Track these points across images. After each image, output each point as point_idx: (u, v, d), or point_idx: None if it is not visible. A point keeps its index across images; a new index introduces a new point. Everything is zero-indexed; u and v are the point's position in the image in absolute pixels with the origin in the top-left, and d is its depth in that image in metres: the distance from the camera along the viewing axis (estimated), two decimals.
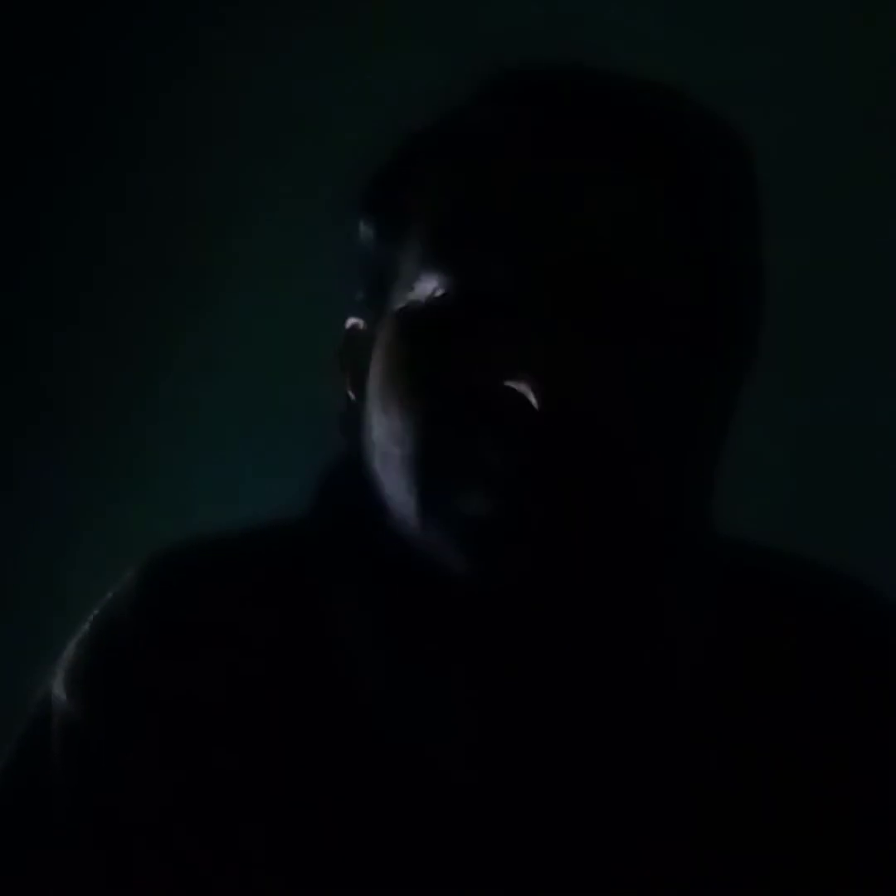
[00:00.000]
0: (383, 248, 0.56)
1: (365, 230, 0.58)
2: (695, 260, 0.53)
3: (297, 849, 0.52)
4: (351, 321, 0.60)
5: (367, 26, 1.42)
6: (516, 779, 0.52)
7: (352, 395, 0.59)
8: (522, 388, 0.48)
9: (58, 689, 0.57)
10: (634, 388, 0.50)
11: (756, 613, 0.57)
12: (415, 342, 0.52)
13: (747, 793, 0.53)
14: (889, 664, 0.57)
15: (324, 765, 0.53)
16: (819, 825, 0.53)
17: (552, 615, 0.52)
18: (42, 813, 0.55)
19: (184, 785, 0.54)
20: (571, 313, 0.49)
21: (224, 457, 1.51)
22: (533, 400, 0.47)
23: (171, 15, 1.57)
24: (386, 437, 0.52)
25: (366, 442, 0.55)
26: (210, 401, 1.53)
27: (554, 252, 0.50)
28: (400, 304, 0.54)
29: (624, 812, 0.52)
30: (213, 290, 1.55)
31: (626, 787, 0.52)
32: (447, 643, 0.53)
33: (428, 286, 0.52)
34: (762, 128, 1.22)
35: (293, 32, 1.49)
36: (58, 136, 1.63)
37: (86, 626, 0.59)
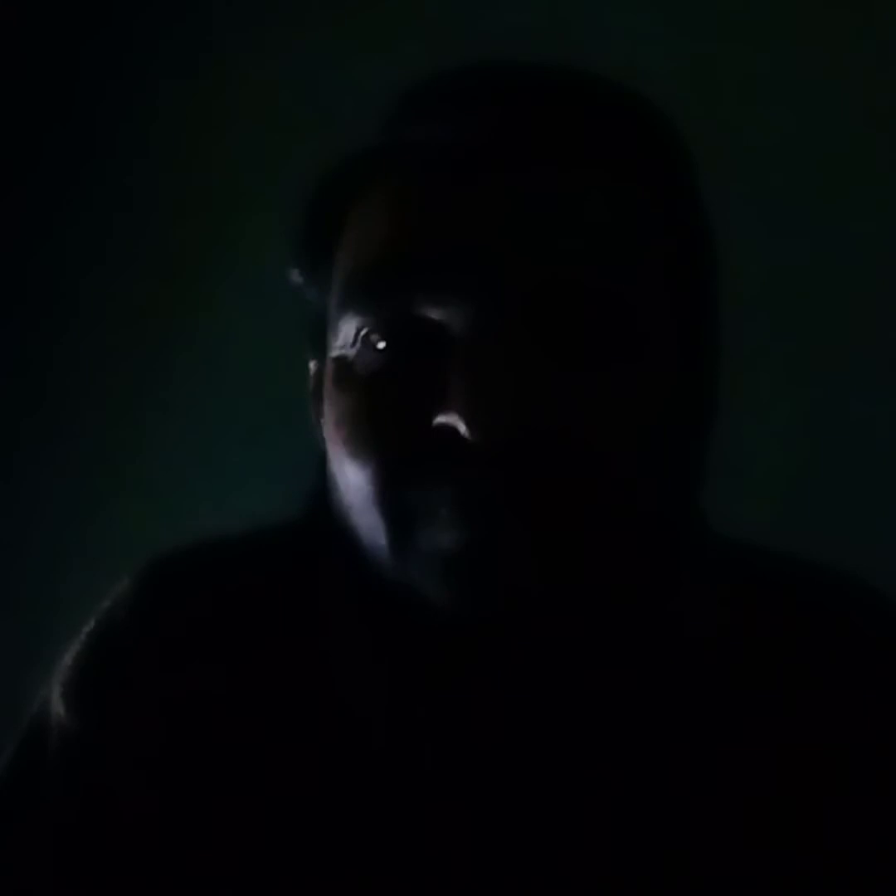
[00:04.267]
0: (313, 292, 0.56)
1: (295, 275, 0.57)
2: (652, 261, 0.51)
3: (289, 854, 0.52)
4: (312, 365, 0.59)
5: (366, 26, 1.42)
6: (512, 792, 0.52)
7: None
8: (458, 421, 0.46)
9: (55, 702, 0.57)
10: (586, 403, 0.48)
11: (760, 618, 0.56)
12: (349, 390, 0.51)
13: (750, 798, 0.52)
14: (890, 663, 0.57)
15: (320, 773, 0.53)
16: (826, 832, 0.52)
17: (541, 640, 0.51)
18: (39, 826, 0.54)
19: (183, 795, 0.53)
20: (508, 336, 0.47)
21: (225, 459, 1.51)
22: (468, 433, 0.46)
23: (172, 15, 1.57)
24: (344, 486, 0.51)
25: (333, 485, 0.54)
26: (212, 403, 1.53)
27: (485, 273, 0.48)
28: (333, 352, 0.53)
29: (624, 822, 0.51)
30: (214, 290, 1.55)
31: (626, 797, 0.52)
32: (437, 665, 0.52)
33: (352, 328, 0.51)
34: (762, 128, 1.22)
35: (293, 32, 1.49)
36: (59, 137, 1.64)
37: (82, 638, 0.58)
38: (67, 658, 0.58)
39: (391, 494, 0.49)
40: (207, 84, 1.55)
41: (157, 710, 0.54)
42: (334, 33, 1.45)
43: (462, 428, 0.46)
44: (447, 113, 0.50)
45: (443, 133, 0.50)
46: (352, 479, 0.51)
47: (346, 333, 0.51)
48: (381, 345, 0.50)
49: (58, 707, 0.56)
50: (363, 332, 0.50)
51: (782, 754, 0.53)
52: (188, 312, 1.56)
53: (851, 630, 0.57)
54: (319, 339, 0.55)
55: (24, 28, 1.61)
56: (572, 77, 0.53)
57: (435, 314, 0.48)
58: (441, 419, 0.47)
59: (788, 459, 1.18)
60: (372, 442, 0.50)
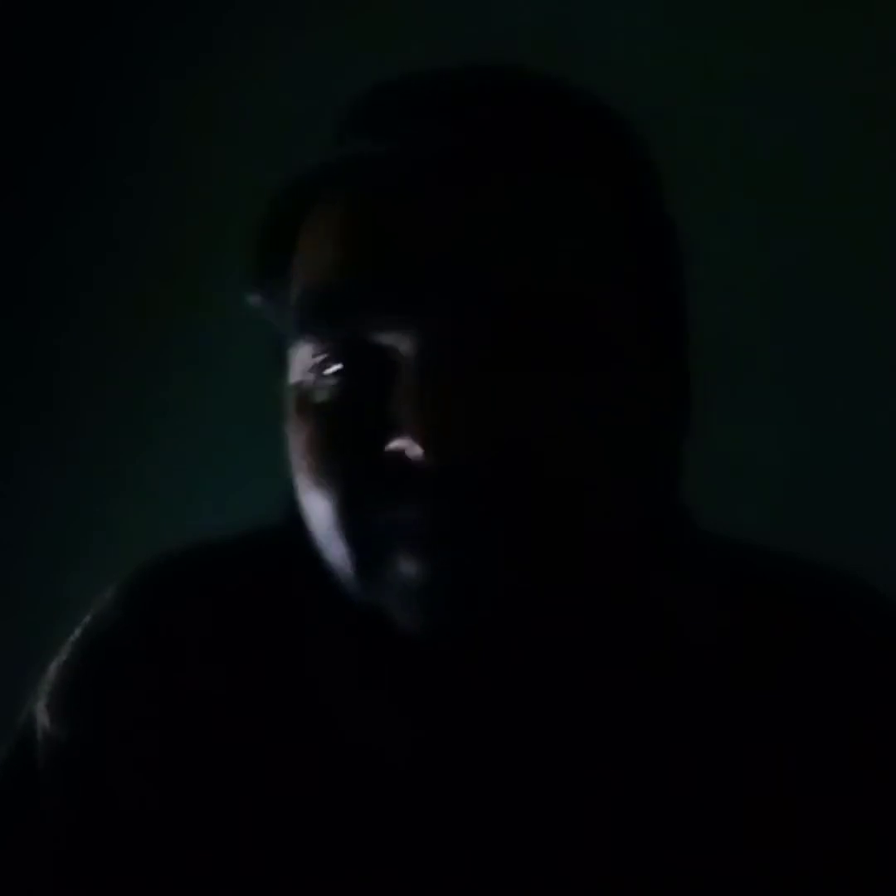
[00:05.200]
0: (272, 314, 0.55)
1: (255, 298, 0.56)
2: (593, 264, 0.49)
3: (270, 859, 0.52)
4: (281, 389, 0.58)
5: (366, 26, 1.42)
6: (494, 801, 0.51)
7: None
8: (412, 446, 0.46)
9: (41, 714, 0.57)
10: (546, 414, 0.47)
11: (759, 618, 0.55)
12: (309, 419, 0.50)
13: (750, 799, 0.52)
14: (889, 663, 0.56)
15: (303, 781, 0.53)
16: (826, 832, 0.52)
17: (522, 657, 0.50)
18: (31, 839, 0.54)
19: (175, 801, 0.53)
20: (455, 356, 0.46)
21: (226, 458, 1.51)
22: (422, 457, 0.45)
23: (172, 15, 1.57)
24: (311, 514, 0.51)
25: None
26: (212, 403, 1.53)
27: (423, 289, 0.47)
28: (294, 378, 0.52)
29: (623, 830, 0.51)
30: (214, 290, 1.55)
31: (625, 804, 0.51)
32: (419, 676, 0.52)
33: (308, 353, 0.50)
34: (762, 128, 1.22)
35: (293, 32, 1.49)
36: (59, 137, 1.64)
37: (67, 648, 0.58)
38: (52, 668, 0.58)
39: (355, 523, 0.49)
40: (207, 84, 1.55)
41: (149, 716, 0.55)
42: (334, 33, 1.45)
43: (416, 453, 0.46)
44: (390, 128, 0.49)
45: (385, 148, 0.49)
46: (316, 507, 0.50)
47: (303, 358, 0.50)
48: (338, 370, 0.49)
49: (43, 718, 0.56)
50: (319, 358, 0.49)
51: (782, 755, 0.53)
52: (188, 312, 1.56)
53: (850, 629, 0.56)
54: (281, 364, 0.54)
55: (24, 28, 1.61)
56: (520, 81, 0.52)
57: (387, 337, 0.47)
58: (396, 445, 0.47)
59: (788, 459, 1.18)
60: (333, 472, 0.49)
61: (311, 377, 0.50)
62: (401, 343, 0.47)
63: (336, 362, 0.49)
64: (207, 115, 1.55)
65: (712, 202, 1.20)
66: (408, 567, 0.47)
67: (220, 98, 1.54)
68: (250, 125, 1.52)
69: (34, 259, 1.65)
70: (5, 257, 1.65)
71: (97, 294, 1.62)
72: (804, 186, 1.18)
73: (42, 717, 0.56)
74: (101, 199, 1.62)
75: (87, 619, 0.59)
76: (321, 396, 0.50)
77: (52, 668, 0.58)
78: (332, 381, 0.49)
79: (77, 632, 0.58)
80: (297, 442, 0.51)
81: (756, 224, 1.20)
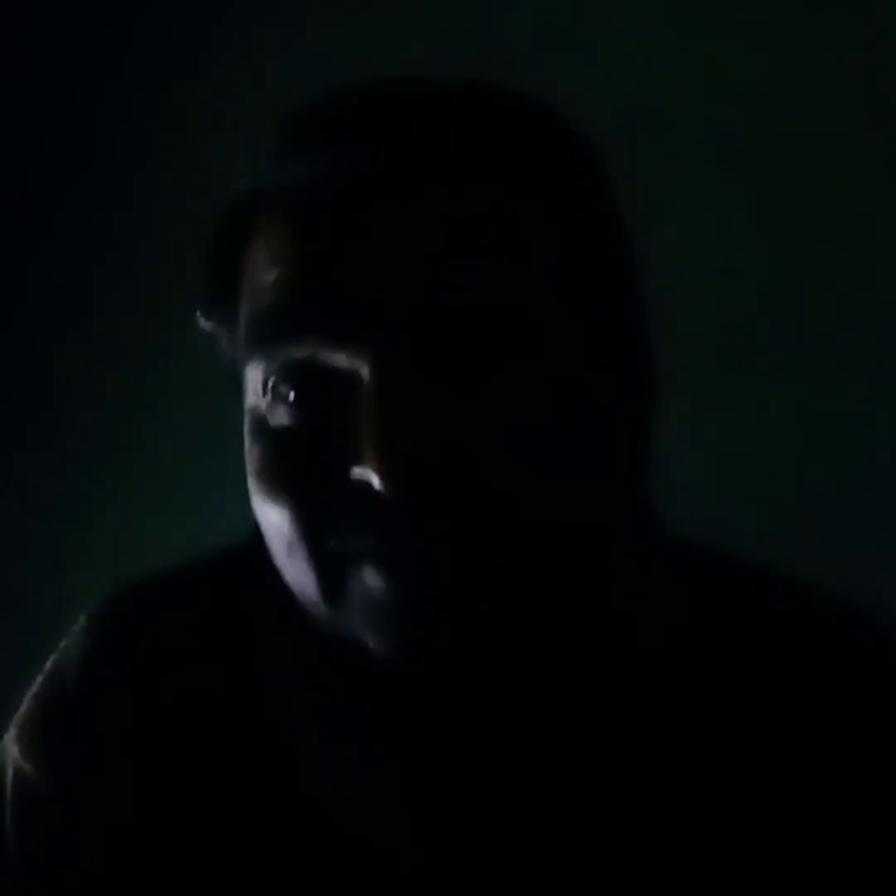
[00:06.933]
0: (224, 339, 0.54)
1: (206, 323, 0.56)
2: (535, 273, 0.49)
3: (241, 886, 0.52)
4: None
5: (366, 26, 1.42)
6: (449, 848, 0.51)
7: None
8: (371, 474, 0.45)
9: (11, 745, 0.57)
10: (497, 430, 0.47)
11: (723, 627, 0.55)
12: (264, 444, 0.50)
13: (723, 811, 0.51)
14: (845, 665, 0.55)
15: (257, 821, 0.53)
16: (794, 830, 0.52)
17: (482, 685, 0.50)
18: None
19: (144, 833, 0.53)
20: (409, 380, 0.46)
21: (226, 458, 1.51)
22: (382, 486, 0.45)
23: (172, 15, 1.57)
24: (270, 538, 0.51)
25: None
26: (212, 402, 1.53)
27: (357, 305, 0.47)
28: (248, 403, 0.52)
29: (590, 846, 0.51)
30: None
31: (595, 820, 0.51)
32: (374, 713, 0.52)
33: (259, 378, 0.50)
34: (762, 128, 1.22)
35: (293, 32, 1.49)
36: (59, 137, 1.64)
37: (39, 680, 0.58)
38: (26, 698, 0.58)
39: (316, 548, 0.49)
40: (207, 84, 1.55)
41: (116, 749, 0.55)
42: (334, 33, 1.45)
43: (376, 480, 0.45)
44: (323, 148, 0.49)
45: (321, 169, 0.48)
46: (275, 532, 0.50)
47: (254, 383, 0.50)
48: (291, 395, 0.49)
49: (13, 750, 0.57)
50: (271, 382, 0.49)
51: (741, 760, 0.52)
52: (188, 312, 1.56)
53: (816, 639, 0.56)
54: (237, 387, 0.54)
55: (24, 28, 1.61)
56: (457, 94, 0.51)
57: (336, 360, 0.47)
58: (357, 471, 0.46)
59: (788, 459, 1.18)
60: (291, 497, 0.49)
61: (265, 401, 0.50)
62: (352, 367, 0.47)
63: (290, 386, 0.49)
64: (207, 115, 1.55)
65: (712, 201, 1.20)
66: (372, 589, 0.47)
67: (221, 98, 1.54)
68: (250, 125, 1.51)
69: (34, 259, 1.65)
70: (5, 257, 1.65)
71: (97, 294, 1.62)
72: (804, 186, 1.18)
73: (12, 749, 0.57)
74: (101, 199, 1.62)
75: (57, 650, 0.58)
76: (277, 421, 0.50)
77: (26, 700, 0.58)
78: (287, 406, 0.49)
79: (48, 663, 0.58)
80: (252, 467, 0.51)
81: (756, 223, 1.20)
